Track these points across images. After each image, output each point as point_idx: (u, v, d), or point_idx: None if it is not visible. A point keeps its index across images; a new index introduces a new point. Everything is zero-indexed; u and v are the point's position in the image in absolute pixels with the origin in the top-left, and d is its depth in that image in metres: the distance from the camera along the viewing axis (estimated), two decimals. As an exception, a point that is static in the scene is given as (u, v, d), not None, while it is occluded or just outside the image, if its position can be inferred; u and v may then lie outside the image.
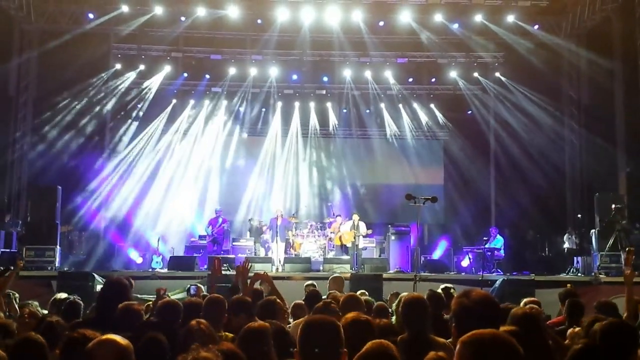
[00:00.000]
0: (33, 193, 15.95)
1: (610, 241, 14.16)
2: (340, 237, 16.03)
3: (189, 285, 9.71)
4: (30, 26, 17.69)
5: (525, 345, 2.28)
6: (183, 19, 17.77)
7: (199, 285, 9.37)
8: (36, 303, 6.61)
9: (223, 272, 6.80)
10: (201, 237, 17.19)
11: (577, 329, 5.00)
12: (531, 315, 4.01)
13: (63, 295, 7.02)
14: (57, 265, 14.28)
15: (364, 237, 15.94)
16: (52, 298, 6.98)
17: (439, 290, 6.70)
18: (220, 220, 16.37)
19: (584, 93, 18.55)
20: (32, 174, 17.43)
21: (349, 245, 15.85)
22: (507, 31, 17.89)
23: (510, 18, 17.67)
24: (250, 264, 6.59)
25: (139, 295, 9.95)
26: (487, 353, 2.19)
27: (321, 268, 14.98)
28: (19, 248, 14.70)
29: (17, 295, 7.10)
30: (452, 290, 7.22)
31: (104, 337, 3.01)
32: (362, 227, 15.90)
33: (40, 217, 14.88)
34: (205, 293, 7.89)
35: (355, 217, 15.98)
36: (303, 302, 6.28)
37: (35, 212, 15.09)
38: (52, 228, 14.68)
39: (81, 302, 6.16)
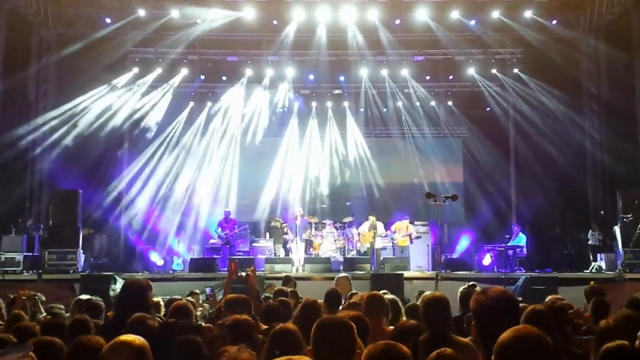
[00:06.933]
0: (54, 197, 16.03)
1: (634, 237, 13.98)
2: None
3: (205, 287, 9.78)
4: (48, 31, 17.85)
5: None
6: (199, 21, 17.83)
7: (213, 287, 9.42)
8: (61, 306, 6.65)
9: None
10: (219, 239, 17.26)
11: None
12: (540, 312, 3.95)
13: (85, 296, 7.04)
14: (79, 268, 14.39)
15: (383, 237, 15.89)
16: (75, 299, 7.01)
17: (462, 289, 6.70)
18: (229, 223, 16.37)
19: (603, 88, 18.25)
20: (53, 178, 17.52)
21: (367, 245, 15.80)
22: (524, 27, 17.73)
23: (528, 13, 17.51)
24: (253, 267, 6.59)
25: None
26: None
27: (341, 268, 14.91)
28: (41, 252, 14.85)
29: (43, 298, 7.15)
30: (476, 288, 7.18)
31: (119, 339, 2.95)
32: (380, 226, 15.86)
33: (61, 220, 14.99)
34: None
35: (372, 218, 15.93)
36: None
37: (56, 215, 15.18)
38: (74, 231, 14.80)
39: (102, 304, 6.14)
